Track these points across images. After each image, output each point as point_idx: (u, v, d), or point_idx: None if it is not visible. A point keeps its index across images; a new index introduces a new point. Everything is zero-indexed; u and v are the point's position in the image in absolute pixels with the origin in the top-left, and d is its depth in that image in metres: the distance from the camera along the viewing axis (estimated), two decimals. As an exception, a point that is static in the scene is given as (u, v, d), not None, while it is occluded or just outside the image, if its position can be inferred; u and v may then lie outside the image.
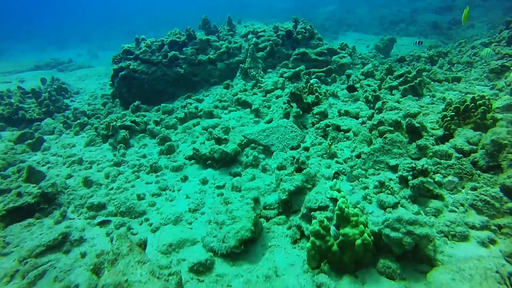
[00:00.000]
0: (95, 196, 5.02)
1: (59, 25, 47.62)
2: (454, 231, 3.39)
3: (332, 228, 3.25)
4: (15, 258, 3.46)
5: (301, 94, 6.33)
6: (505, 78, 7.24)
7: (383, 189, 4.16)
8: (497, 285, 2.60)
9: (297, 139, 5.54)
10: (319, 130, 5.70)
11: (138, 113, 8.49)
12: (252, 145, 5.67)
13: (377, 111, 6.14)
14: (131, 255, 2.69)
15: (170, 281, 2.56)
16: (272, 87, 7.97)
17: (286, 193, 4.12)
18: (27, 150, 7.00)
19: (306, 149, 5.29)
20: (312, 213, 3.62)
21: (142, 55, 9.36)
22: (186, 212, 4.66)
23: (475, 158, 4.18)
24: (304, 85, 7.04)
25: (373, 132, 5.18)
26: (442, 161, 4.31)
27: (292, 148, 5.42)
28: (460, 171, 4.14)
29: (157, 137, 6.92)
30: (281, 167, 4.83)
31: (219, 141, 5.73)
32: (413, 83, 6.76)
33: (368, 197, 4.08)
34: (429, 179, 3.89)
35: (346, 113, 6.24)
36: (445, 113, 4.94)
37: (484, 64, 8.33)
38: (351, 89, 6.94)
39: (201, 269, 3.46)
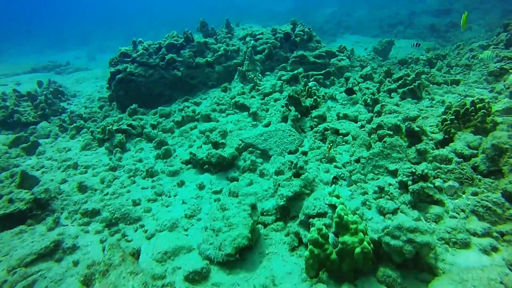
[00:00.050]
0: (89, 202, 4.92)
1: (59, 26, 47.55)
2: (455, 238, 3.32)
3: (331, 235, 3.17)
4: (3, 268, 3.36)
5: (299, 97, 6.26)
6: (504, 81, 7.20)
7: (383, 195, 4.08)
8: (501, 296, 2.53)
9: (295, 143, 5.47)
10: (318, 134, 5.63)
11: (135, 116, 8.41)
12: (250, 149, 5.59)
13: (376, 114, 6.08)
14: (123, 265, 2.60)
15: (164, 293, 2.47)
16: (270, 90, 7.90)
17: (284, 199, 4.04)
18: (21, 154, 6.90)
19: (305, 153, 5.21)
20: (311, 220, 3.54)
21: (139, 58, 9.29)
22: (182, 218, 4.58)
23: (476, 162, 4.12)
24: (302, 88, 6.98)
25: (372, 136, 5.11)
26: (442, 165, 4.25)
27: (290, 152, 5.35)
28: (461, 176, 4.07)
29: (153, 141, 6.83)
30: (279, 172, 4.75)
31: (216, 145, 5.65)
32: (412, 86, 6.71)
33: (367, 202, 4.00)
34: (429, 184, 3.82)
35: (345, 117, 6.18)
36: (444, 116, 4.89)
37: (483, 66, 8.30)
38: (349, 92, 6.88)
39: (196, 278, 3.38)
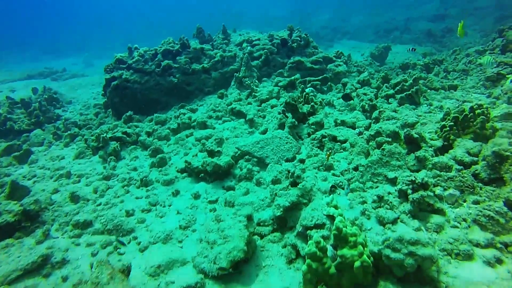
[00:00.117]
0: (81, 213, 4.78)
1: (56, 33, 47.62)
2: (458, 249, 3.22)
3: (330, 248, 3.06)
4: (-12, 285, 3.22)
5: (296, 103, 6.19)
6: (501, 86, 7.17)
7: (382, 204, 3.98)
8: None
9: (292, 150, 5.37)
10: (315, 141, 5.54)
11: (131, 123, 8.29)
12: (246, 157, 5.49)
13: (374, 120, 6.01)
14: (112, 283, 2.47)
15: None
16: (267, 96, 7.83)
17: (281, 209, 3.93)
18: (13, 163, 6.76)
19: (302, 161, 5.11)
20: (308, 231, 3.43)
21: (135, 64, 9.21)
22: (177, 229, 4.45)
23: (476, 170, 4.03)
24: (299, 95, 6.91)
25: (370, 143, 5.03)
26: (442, 173, 4.16)
27: (287, 160, 5.25)
28: (461, 183, 3.98)
29: (149, 149, 6.71)
30: (275, 181, 4.65)
31: (212, 153, 5.55)
32: (410, 92, 6.66)
33: (366, 212, 3.89)
34: (429, 193, 3.73)
35: (343, 123, 6.10)
36: (443, 123, 4.81)
37: (480, 72, 8.29)
38: (346, 97, 6.82)
39: (190, 293, 3.24)
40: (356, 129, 5.84)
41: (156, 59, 9.41)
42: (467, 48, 11.50)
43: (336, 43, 21.43)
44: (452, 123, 4.67)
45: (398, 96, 6.86)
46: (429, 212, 3.73)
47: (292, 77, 8.89)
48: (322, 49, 11.60)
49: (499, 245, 3.16)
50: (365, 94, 7.38)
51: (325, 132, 5.57)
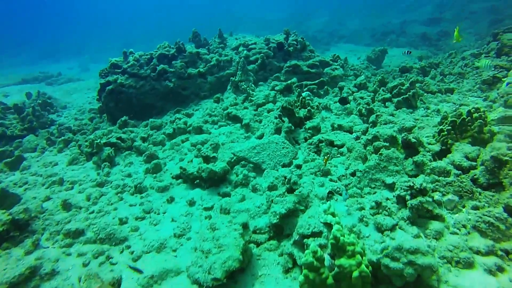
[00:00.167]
0: (73, 221, 4.66)
1: (53, 37, 47.43)
2: (458, 257, 3.15)
3: (327, 257, 2.97)
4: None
5: (293, 108, 6.13)
6: (498, 90, 7.17)
7: (380, 210, 3.91)
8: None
9: (289, 155, 5.30)
10: (312, 146, 5.48)
11: (126, 128, 8.18)
12: (242, 162, 5.40)
13: (371, 124, 5.96)
14: (100, 298, 2.36)
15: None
16: (264, 100, 7.77)
17: (277, 217, 3.84)
18: (4, 170, 6.62)
19: (299, 166, 5.04)
20: (305, 240, 3.34)
21: (130, 69, 9.13)
22: (171, 238, 4.35)
23: (475, 175, 3.98)
24: (296, 99, 6.85)
25: (367, 148, 4.96)
26: (440, 178, 4.10)
27: (284, 166, 5.17)
28: (460, 189, 3.92)
29: (143, 155, 6.61)
30: (272, 187, 4.56)
31: (207, 159, 5.46)
32: (407, 95, 6.62)
33: (364, 219, 3.82)
34: (428, 198, 3.66)
35: (340, 127, 6.04)
36: (441, 127, 4.77)
37: (476, 75, 8.29)
38: (343, 101, 6.77)
39: (184, 305, 3.14)
40: (353, 134, 5.79)
41: (152, 63, 9.34)
42: (463, 51, 11.55)
43: (333, 47, 21.49)
44: (450, 127, 4.62)
45: (395, 100, 6.83)
46: (428, 218, 3.66)
47: (289, 81, 8.85)
48: (319, 53, 11.60)
49: (500, 253, 3.10)
50: (362, 98, 7.34)
51: (322, 137, 5.50)
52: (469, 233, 3.45)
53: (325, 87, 8.77)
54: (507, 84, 7.07)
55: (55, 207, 5.03)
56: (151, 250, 4.14)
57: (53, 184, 5.86)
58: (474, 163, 4.15)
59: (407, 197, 3.76)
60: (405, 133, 4.77)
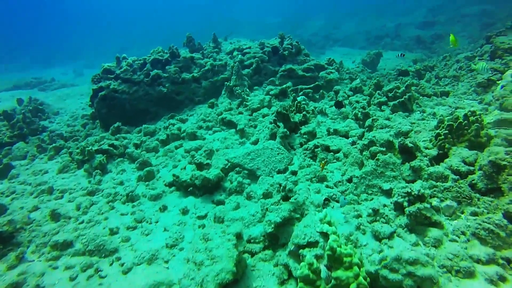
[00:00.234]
0: (61, 232, 4.50)
1: (47, 43, 47.12)
2: (458, 266, 3.05)
3: (323, 269, 2.86)
4: None
5: (288, 113, 6.04)
6: (492, 92, 7.15)
7: (378, 217, 3.81)
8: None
9: (284, 161, 5.20)
10: (308, 151, 5.38)
11: (118, 135, 8.03)
12: (237, 169, 5.29)
13: (367, 129, 5.88)
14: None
15: None
16: (258, 105, 7.68)
17: (272, 226, 3.72)
18: (-8, 179, 6.44)
19: (294, 173, 4.93)
20: (301, 250, 3.23)
21: (123, 74, 9.00)
22: (163, 248, 4.20)
23: (473, 180, 3.90)
24: (291, 103, 6.77)
25: (364, 153, 4.88)
26: (438, 183, 4.02)
27: (279, 172, 5.06)
28: (458, 194, 3.84)
29: (136, 162, 6.47)
30: (267, 195, 4.45)
31: (200, 166, 5.33)
32: (402, 99, 6.58)
33: (361, 227, 3.72)
34: (426, 205, 3.57)
35: (335, 132, 5.96)
36: (438, 131, 4.70)
37: (471, 78, 8.29)
38: (338, 105, 6.71)
39: (175, 321, 2.99)
40: (349, 139, 5.71)
41: (145, 68, 9.23)
42: (457, 54, 11.58)
43: (328, 50, 21.56)
44: (446, 131, 4.56)
45: (391, 103, 6.78)
46: (427, 226, 3.57)
47: (284, 85, 8.78)
48: (314, 56, 11.57)
49: (501, 261, 3.01)
50: (357, 102, 7.28)
51: (318, 142, 5.41)
52: (468, 240, 3.36)
53: (321, 91, 8.72)
54: (502, 87, 7.06)
55: (43, 217, 4.86)
56: (142, 262, 4.00)
57: (42, 193, 5.69)
58: (471, 168, 4.08)
59: (405, 203, 3.67)
60: (401, 137, 4.70)
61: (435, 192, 3.97)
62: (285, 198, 4.04)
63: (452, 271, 3.06)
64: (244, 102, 8.03)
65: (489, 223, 3.31)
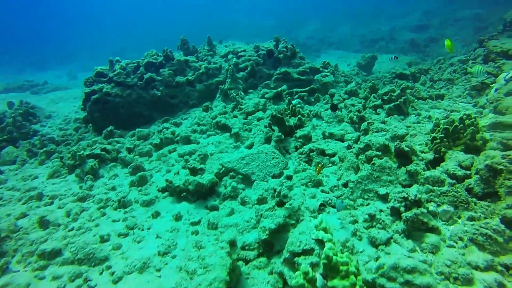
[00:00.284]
0: (49, 240, 4.36)
1: (41, 45, 46.61)
2: (457, 273, 2.98)
3: (319, 278, 2.78)
4: None
5: (283, 116, 5.98)
6: (486, 96, 7.18)
7: (374, 223, 3.74)
8: None
9: (279, 166, 5.12)
10: (303, 155, 5.31)
11: (111, 139, 7.90)
12: (231, 173, 5.19)
13: (363, 132, 5.84)
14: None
15: None
16: (253, 108, 7.61)
17: (267, 232, 3.63)
18: (-20, 185, 6.25)
19: (289, 177, 4.85)
20: (296, 258, 3.14)
21: (116, 77, 8.88)
22: (155, 256, 4.09)
23: (470, 184, 3.86)
24: (286, 107, 6.71)
25: (360, 157, 4.82)
26: (435, 188, 3.97)
27: (274, 177, 4.98)
28: (455, 199, 3.79)
29: (129, 166, 6.34)
30: (261, 200, 4.37)
31: (194, 171, 5.23)
32: (398, 102, 6.55)
33: (357, 232, 3.65)
34: (423, 210, 3.52)
35: (331, 136, 5.91)
36: (434, 134, 4.67)
37: (465, 81, 8.33)
38: (334, 108, 6.67)
39: (165, 334, 2.88)
40: (345, 142, 5.66)
41: (139, 71, 9.12)
42: (451, 57, 11.66)
43: (323, 53, 21.62)
44: (442, 135, 4.53)
45: (386, 107, 6.75)
46: (424, 231, 3.51)
47: (279, 89, 8.73)
48: (310, 59, 11.55)
49: (499, 268, 2.95)
50: (353, 105, 7.25)
51: (313, 146, 5.35)
52: (466, 246, 3.30)
53: (316, 94, 8.69)
54: (495, 90, 7.09)
55: (30, 225, 4.71)
56: (133, 271, 3.87)
57: (31, 200, 5.54)
58: (468, 172, 4.04)
59: (402, 208, 3.62)
60: (397, 141, 4.65)
61: (431, 197, 3.91)
62: (280, 204, 3.96)
63: (450, 278, 2.99)
64: (239, 106, 7.96)
65: (486, 229, 3.26)
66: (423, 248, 3.35)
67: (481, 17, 20.89)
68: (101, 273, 3.89)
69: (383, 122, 6.08)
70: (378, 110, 6.92)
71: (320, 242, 3.19)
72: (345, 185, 4.39)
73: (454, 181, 3.98)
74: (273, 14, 41.91)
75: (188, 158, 6.04)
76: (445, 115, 6.41)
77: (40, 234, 4.51)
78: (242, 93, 8.74)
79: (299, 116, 6.35)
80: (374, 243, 3.48)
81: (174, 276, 3.72)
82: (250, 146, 6.07)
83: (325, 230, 3.20)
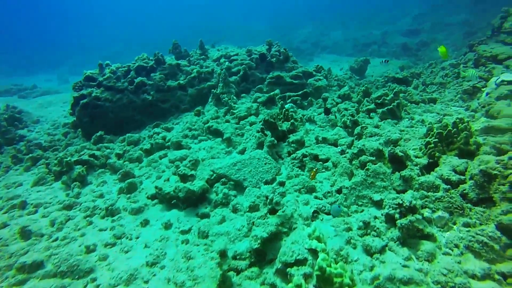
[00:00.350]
0: (30, 252, 4.15)
1: (30, 48, 45.85)
2: (453, 283, 2.90)
3: (313, 290, 2.67)
4: None
5: (276, 121, 5.88)
6: (478, 99, 7.21)
7: (368, 230, 3.65)
8: None
9: (271, 172, 5.01)
10: (296, 161, 5.22)
11: (101, 144, 7.70)
12: (223, 180, 5.06)
13: (356, 137, 5.78)
14: None
15: None
16: (246, 113, 7.51)
17: (259, 241, 3.51)
18: (-40, 194, 5.99)
19: (282, 183, 4.75)
20: (288, 269, 3.02)
21: (106, 81, 8.70)
22: (143, 267, 3.91)
23: (465, 189, 3.81)
24: (278, 112, 6.63)
25: (353, 162, 4.75)
26: (429, 193, 3.91)
27: (266, 183, 4.87)
28: (450, 205, 3.73)
29: (118, 173, 6.16)
30: (253, 207, 4.24)
31: (184, 178, 5.09)
32: (391, 106, 6.53)
33: (352, 240, 3.55)
34: (418, 216, 3.45)
35: (324, 140, 5.83)
36: (428, 139, 4.62)
37: (457, 85, 8.37)
38: (327, 112, 6.61)
39: None
40: (339, 147, 5.59)
41: (129, 76, 8.95)
42: (442, 62, 11.78)
43: (316, 57, 21.73)
44: (436, 139, 4.48)
45: (379, 111, 6.72)
46: (419, 238, 3.44)
47: (272, 93, 8.65)
48: (303, 63, 11.53)
49: (497, 277, 2.88)
50: (346, 109, 7.21)
51: (306, 151, 5.26)
52: (462, 253, 3.23)
53: (309, 98, 8.63)
54: (487, 94, 7.13)
55: (11, 235, 4.50)
56: (120, 283, 3.70)
57: (13, 208, 5.31)
58: (462, 177, 3.99)
59: (396, 215, 3.54)
60: (391, 146, 4.59)
61: (426, 203, 3.85)
62: (272, 211, 3.85)
63: (447, 287, 2.91)
64: (231, 110, 7.85)
65: (482, 235, 3.20)
66: (418, 256, 3.26)
67: (469, 23, 21.26)
68: (85, 286, 3.71)
69: (377, 127, 6.03)
70: (371, 114, 6.89)
71: (314, 252, 3.09)
72: (339, 191, 4.30)
73: (448, 186, 3.93)
74: (267, 19, 42.08)
75: (179, 164, 5.89)
76: (438, 119, 6.40)
77: (21, 245, 4.30)
78: (235, 97, 8.64)
79: (292, 120, 6.26)
80: (369, 251, 3.38)
81: (163, 287, 3.56)
82: (242, 152, 5.96)
83: (318, 239, 3.10)
